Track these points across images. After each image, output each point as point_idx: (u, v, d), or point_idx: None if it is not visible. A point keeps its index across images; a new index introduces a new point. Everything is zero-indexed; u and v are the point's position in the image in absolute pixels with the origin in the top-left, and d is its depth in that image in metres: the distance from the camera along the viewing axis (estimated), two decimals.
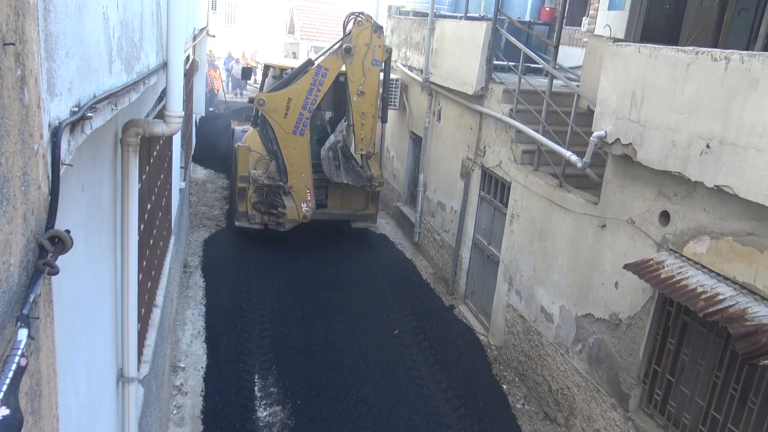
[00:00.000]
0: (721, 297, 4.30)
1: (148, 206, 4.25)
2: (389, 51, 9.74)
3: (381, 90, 9.85)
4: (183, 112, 3.49)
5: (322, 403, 6.37)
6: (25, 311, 1.32)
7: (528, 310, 7.30)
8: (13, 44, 1.28)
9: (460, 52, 9.10)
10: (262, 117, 9.83)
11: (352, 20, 9.11)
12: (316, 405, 6.34)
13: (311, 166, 9.60)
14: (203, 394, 6.36)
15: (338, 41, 9.45)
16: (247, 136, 10.64)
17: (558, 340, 6.67)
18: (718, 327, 4.52)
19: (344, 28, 9.44)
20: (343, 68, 9.25)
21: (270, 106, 9.20)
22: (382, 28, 9.28)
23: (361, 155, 9.79)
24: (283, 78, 9.81)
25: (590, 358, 6.11)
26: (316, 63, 9.33)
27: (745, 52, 4.34)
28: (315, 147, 9.84)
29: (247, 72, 13.03)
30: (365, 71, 9.22)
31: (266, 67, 11.63)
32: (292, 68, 9.94)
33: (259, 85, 12.61)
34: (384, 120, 10.80)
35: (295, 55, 31.21)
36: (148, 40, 3.19)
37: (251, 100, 12.21)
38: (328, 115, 11.10)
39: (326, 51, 10.05)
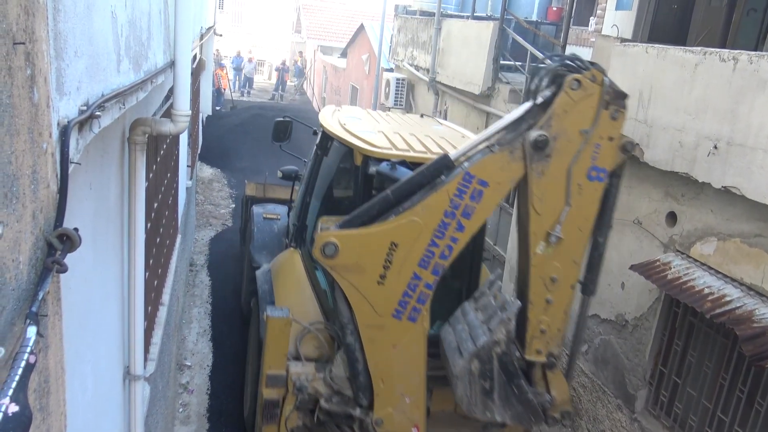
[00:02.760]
0: (728, 298, 4.28)
1: (155, 204, 4.27)
2: (630, 146, 3.87)
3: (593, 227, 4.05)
4: (190, 111, 3.50)
5: None
6: (34, 309, 1.33)
7: None
8: (23, 43, 1.29)
9: (467, 52, 9.09)
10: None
11: (554, 71, 3.74)
12: None
13: (425, 377, 4.18)
14: (209, 392, 6.38)
15: (511, 119, 3.85)
16: (279, 269, 5.42)
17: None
18: (725, 328, 4.50)
19: (530, 90, 3.98)
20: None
21: (347, 259, 3.73)
22: (625, 96, 3.70)
23: (533, 362, 4.23)
24: (370, 179, 4.63)
25: (596, 359, 6.09)
26: (461, 167, 3.71)
27: (754, 52, 4.32)
28: None
29: (280, 130, 7.06)
30: (572, 192, 3.77)
31: (325, 138, 5.46)
32: (400, 160, 4.22)
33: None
34: (590, 291, 4.39)
35: (301, 54, 31.22)
36: (155, 38, 3.20)
37: (286, 176, 7.26)
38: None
39: (482, 140, 3.84)
